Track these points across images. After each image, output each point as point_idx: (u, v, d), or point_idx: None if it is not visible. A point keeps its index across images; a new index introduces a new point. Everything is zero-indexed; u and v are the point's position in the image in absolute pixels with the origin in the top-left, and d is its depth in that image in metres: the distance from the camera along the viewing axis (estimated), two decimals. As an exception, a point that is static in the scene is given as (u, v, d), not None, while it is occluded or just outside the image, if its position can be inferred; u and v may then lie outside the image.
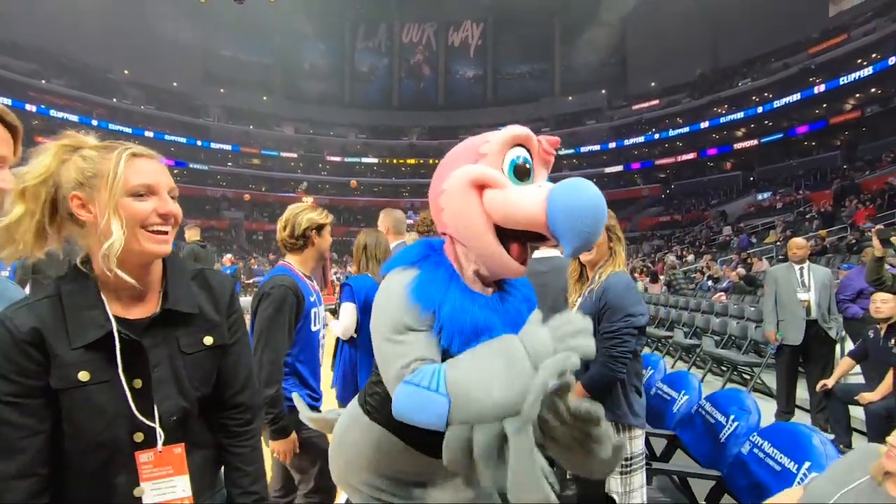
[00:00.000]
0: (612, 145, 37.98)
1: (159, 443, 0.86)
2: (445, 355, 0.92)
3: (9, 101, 30.16)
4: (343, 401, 2.59)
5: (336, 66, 46.12)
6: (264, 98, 42.88)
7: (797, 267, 3.76)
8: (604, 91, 40.56)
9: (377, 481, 1.10)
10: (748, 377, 4.99)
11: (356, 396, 1.22)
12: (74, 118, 33.37)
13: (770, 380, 4.72)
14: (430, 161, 42.61)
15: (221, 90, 41.27)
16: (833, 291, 3.70)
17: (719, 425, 1.97)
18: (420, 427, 0.86)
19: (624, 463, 1.58)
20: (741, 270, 10.79)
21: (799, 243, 3.86)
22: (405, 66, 46.39)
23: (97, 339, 0.81)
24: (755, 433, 1.75)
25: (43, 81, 32.48)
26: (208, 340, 0.92)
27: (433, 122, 44.17)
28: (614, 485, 1.61)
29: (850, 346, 4.03)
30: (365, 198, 40.67)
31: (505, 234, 0.95)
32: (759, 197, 26.08)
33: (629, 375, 1.76)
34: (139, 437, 0.85)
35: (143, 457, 0.85)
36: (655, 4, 35.50)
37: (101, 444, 0.83)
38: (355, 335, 2.39)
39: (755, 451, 1.69)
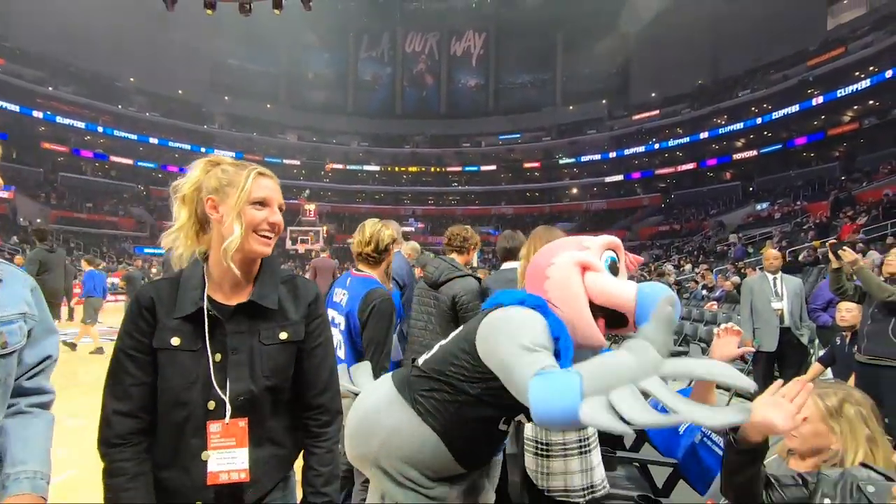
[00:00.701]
0: (613, 155, 38.30)
1: (227, 415, 0.98)
2: None
3: (17, 108, 30.67)
4: None
5: (340, 75, 46.69)
6: (268, 106, 43.39)
7: (771, 277, 3.97)
8: (604, 101, 40.94)
9: (408, 471, 1.21)
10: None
11: (393, 386, 1.31)
12: (81, 125, 33.86)
13: (752, 385, 4.90)
14: (432, 169, 43.01)
15: (226, 98, 41.80)
16: (804, 300, 3.90)
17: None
18: (490, 439, 1.22)
19: (582, 445, 1.73)
20: (735, 279, 10.97)
21: (773, 254, 4.07)
22: (408, 75, 46.93)
23: (191, 313, 0.97)
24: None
25: (50, 88, 32.96)
26: (283, 335, 1.03)
27: (435, 131, 44.60)
28: (576, 464, 1.72)
29: (822, 352, 4.23)
30: (367, 205, 40.98)
31: (593, 310, 1.16)
32: (758, 207, 26.29)
33: None
34: (212, 405, 0.97)
35: (213, 426, 0.97)
36: (657, 16, 35.97)
37: (181, 403, 0.96)
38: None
39: (705, 440, 1.88)
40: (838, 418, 1.23)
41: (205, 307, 0.98)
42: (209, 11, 12.81)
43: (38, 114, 31.80)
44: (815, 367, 3.62)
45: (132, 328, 0.98)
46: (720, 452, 1.79)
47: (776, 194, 26.46)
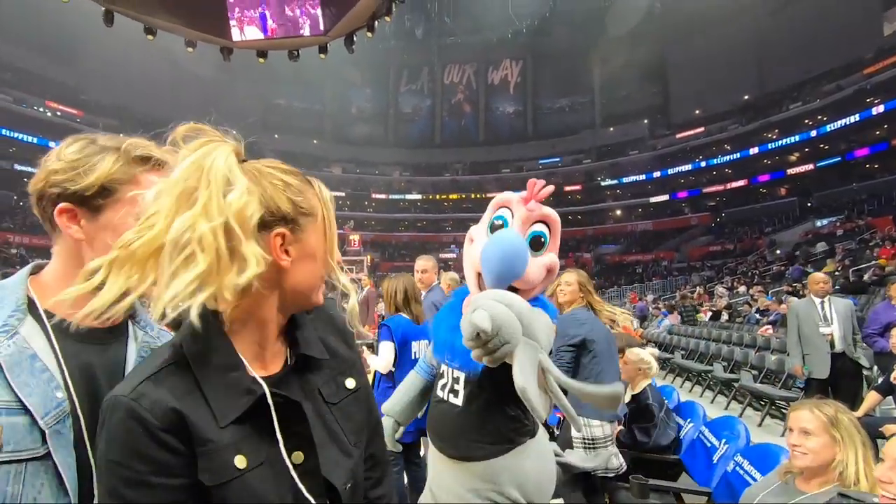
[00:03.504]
0: (657, 174, 37.43)
1: None
2: None
3: (93, 154, 33.59)
4: None
5: (381, 108, 48.48)
6: (315, 142, 45.50)
7: (818, 301, 3.82)
8: (646, 121, 40.36)
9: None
10: (786, 412, 4.93)
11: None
12: (147, 167, 36.62)
13: (810, 414, 4.67)
14: (473, 195, 43.45)
15: (276, 136, 44.23)
16: (855, 322, 3.71)
17: (713, 448, 2.16)
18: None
19: (588, 443, 2.17)
20: (794, 300, 10.41)
21: (819, 278, 3.92)
22: (447, 106, 48.13)
23: (249, 407, 0.64)
24: (739, 454, 1.94)
25: (122, 135, 35.81)
26: (350, 384, 0.79)
27: (474, 158, 45.24)
28: (580, 455, 2.18)
29: (881, 379, 3.97)
30: (409, 233, 41.78)
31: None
32: (818, 224, 24.84)
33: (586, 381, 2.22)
34: None
35: None
36: (695, 33, 35.45)
37: None
38: (393, 369, 2.72)
39: (737, 469, 1.88)
40: (838, 427, 1.27)
41: (266, 392, 0.66)
42: (261, 60, 13.88)
43: (110, 159, 34.68)
44: (872, 396, 3.43)
45: (148, 471, 0.57)
46: (752, 482, 1.79)
47: (837, 209, 24.96)
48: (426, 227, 42.90)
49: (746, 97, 34.83)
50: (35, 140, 30.99)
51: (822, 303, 3.80)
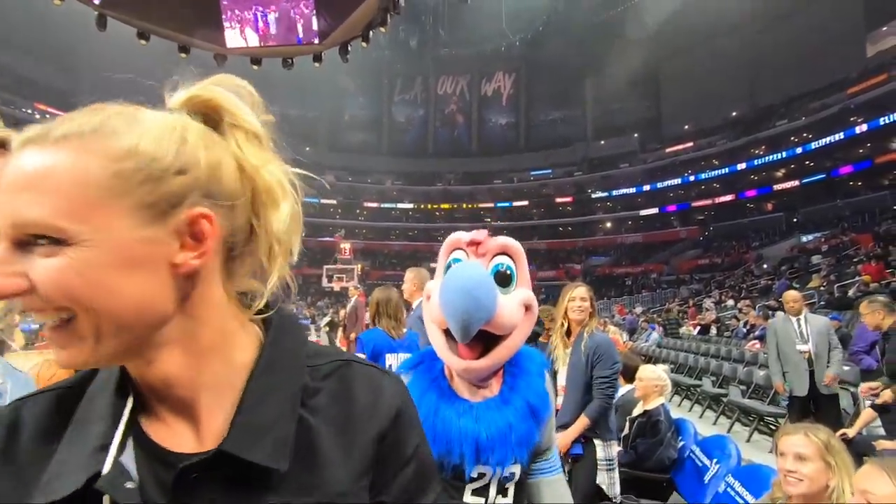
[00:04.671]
0: (647, 188, 37.87)
1: None
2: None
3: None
4: None
5: (375, 117, 48.62)
6: (308, 149, 45.42)
7: (794, 319, 3.85)
8: (636, 135, 40.89)
9: None
10: (774, 427, 4.94)
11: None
12: (137, 171, 36.36)
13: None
14: (464, 205, 43.60)
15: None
16: (833, 339, 3.75)
17: (704, 468, 2.15)
18: None
19: (608, 463, 2.14)
20: (781, 314, 10.50)
21: (793, 296, 3.98)
22: (440, 116, 48.40)
23: (71, 493, 0.40)
24: (730, 474, 1.93)
25: None
26: None
27: (467, 168, 45.45)
28: (603, 478, 2.14)
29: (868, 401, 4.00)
30: (400, 242, 41.71)
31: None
32: (803, 239, 25.23)
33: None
34: None
35: None
36: (686, 49, 36.10)
37: None
38: None
39: (728, 490, 1.87)
40: (832, 453, 1.26)
41: (104, 471, 0.41)
42: (255, 67, 13.88)
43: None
44: (867, 413, 3.44)
45: None
46: (742, 502, 1.77)
47: (822, 225, 25.38)
48: (417, 237, 42.87)
49: (735, 113, 35.46)
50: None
51: (799, 320, 3.84)
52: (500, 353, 1.00)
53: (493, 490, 1.04)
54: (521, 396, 1.04)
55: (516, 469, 1.05)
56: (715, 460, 2.12)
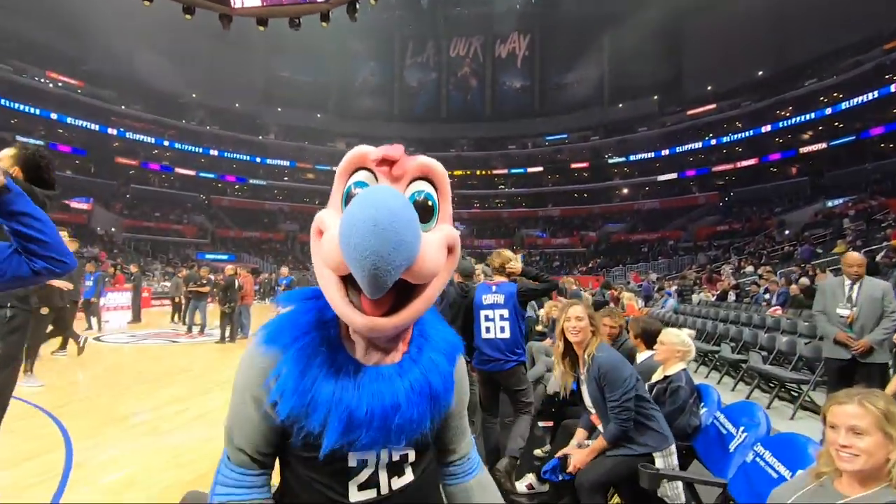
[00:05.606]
0: (666, 152, 36.81)
1: None
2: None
3: (96, 127, 33.40)
4: None
5: (386, 82, 47.60)
6: (318, 115, 44.87)
7: (848, 282, 3.61)
8: (656, 97, 39.49)
9: None
10: (796, 394, 4.80)
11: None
12: (150, 140, 36.40)
13: (820, 398, 4.53)
14: (478, 172, 43.00)
15: (279, 109, 43.59)
16: (887, 305, 3.48)
17: (730, 436, 2.02)
18: None
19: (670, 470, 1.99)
20: (804, 281, 10.22)
21: (855, 259, 3.65)
22: (453, 79, 47.19)
23: None
24: (759, 443, 1.80)
25: (122, 107, 35.64)
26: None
27: (480, 134, 44.57)
28: (665, 489, 1.96)
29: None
30: (413, 209, 41.47)
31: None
32: (829, 204, 24.41)
33: (646, 420, 2.11)
34: None
35: None
36: (710, 5, 34.27)
37: None
38: None
39: (757, 459, 1.74)
40: (892, 422, 1.09)
41: None
42: (261, 28, 13.49)
43: (112, 131, 34.49)
44: (896, 381, 3.26)
45: None
46: (773, 474, 1.64)
47: (849, 189, 24.47)
48: (430, 204, 42.54)
49: (761, 73, 33.89)
50: (37, 111, 30.68)
51: (852, 284, 3.59)
52: (416, 308, 0.75)
53: (383, 477, 0.84)
54: (423, 373, 0.83)
55: (409, 451, 0.85)
56: (742, 428, 1.99)
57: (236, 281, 9.13)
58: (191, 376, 6.02)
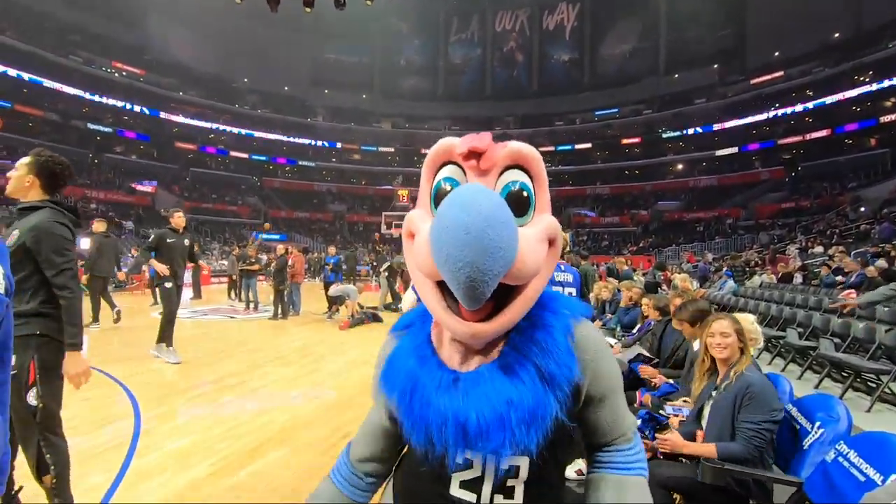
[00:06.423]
0: (725, 125, 34.54)
1: None
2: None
3: (157, 113, 35.20)
4: None
5: (430, 60, 47.12)
6: (364, 96, 45.17)
7: None
8: (716, 66, 36.97)
9: None
10: (873, 385, 4.43)
11: None
12: (205, 124, 37.96)
13: (903, 390, 4.16)
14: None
15: (326, 91, 44.21)
16: None
17: (804, 431, 1.85)
18: None
19: None
20: (881, 263, 9.40)
21: None
22: (498, 55, 46.04)
23: None
24: (842, 441, 1.63)
25: (181, 93, 37.24)
26: None
27: (526, 111, 43.49)
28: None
29: None
30: (458, 189, 41.31)
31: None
32: (913, 178, 22.24)
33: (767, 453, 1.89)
34: None
35: None
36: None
37: None
38: None
39: (840, 459, 1.58)
40: None
41: None
42: (307, 9, 13.56)
43: (172, 117, 36.19)
44: None
45: None
46: (861, 477, 1.49)
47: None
48: (475, 183, 42.22)
49: (837, 35, 30.91)
50: (105, 100, 32.57)
51: None
52: (517, 310, 0.70)
53: (486, 487, 0.77)
54: (528, 359, 0.74)
55: (522, 462, 0.75)
56: (818, 423, 1.82)
57: (288, 260, 9.44)
58: (246, 351, 6.30)
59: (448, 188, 0.72)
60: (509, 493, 0.77)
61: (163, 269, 5.23)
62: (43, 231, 1.95)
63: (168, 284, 5.32)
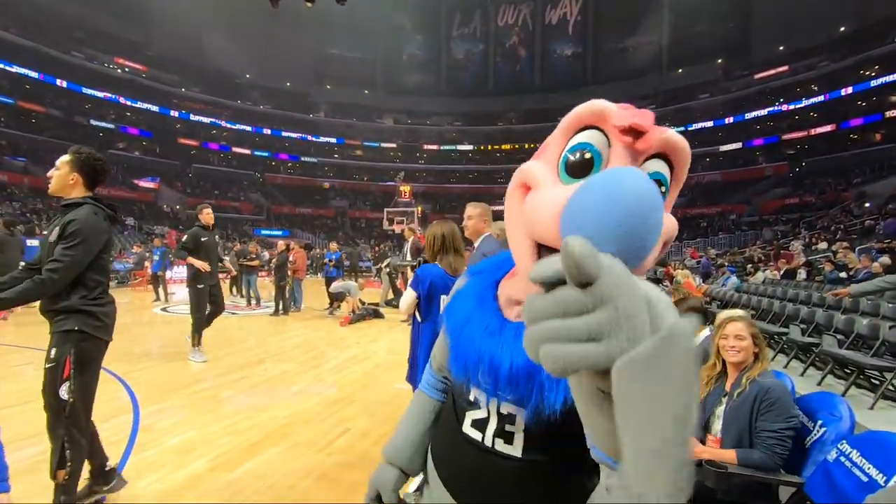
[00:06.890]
0: (730, 120, 34.34)
1: None
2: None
3: (157, 109, 35.17)
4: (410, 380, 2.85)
5: (433, 55, 46.97)
6: (366, 92, 45.08)
7: None
8: (719, 60, 36.71)
9: None
10: (877, 382, 4.39)
11: None
12: (207, 120, 37.97)
13: (906, 387, 4.12)
14: (526, 146, 41.98)
15: (328, 87, 44.13)
16: None
17: (806, 430, 1.83)
18: None
19: None
20: (885, 260, 9.34)
21: None
22: (500, 50, 45.84)
23: None
24: (844, 441, 1.61)
25: (183, 90, 37.23)
26: None
27: (529, 106, 43.31)
28: None
29: None
30: (460, 184, 41.26)
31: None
32: (918, 173, 22.07)
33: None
34: None
35: None
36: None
37: None
38: (420, 320, 2.62)
39: (841, 458, 1.55)
40: None
41: None
42: (308, 4, 13.50)
43: (174, 113, 36.21)
44: None
45: None
46: (863, 477, 1.47)
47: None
48: (478, 179, 42.13)
49: (842, 29, 30.63)
50: (107, 96, 32.58)
51: None
52: None
53: (490, 429, 0.80)
54: None
55: (519, 413, 0.76)
56: (820, 422, 1.79)
57: (289, 256, 9.43)
58: (246, 347, 6.30)
59: (588, 156, 0.65)
60: (509, 438, 0.79)
61: (204, 265, 5.17)
62: (85, 224, 2.02)
63: (200, 286, 5.24)
